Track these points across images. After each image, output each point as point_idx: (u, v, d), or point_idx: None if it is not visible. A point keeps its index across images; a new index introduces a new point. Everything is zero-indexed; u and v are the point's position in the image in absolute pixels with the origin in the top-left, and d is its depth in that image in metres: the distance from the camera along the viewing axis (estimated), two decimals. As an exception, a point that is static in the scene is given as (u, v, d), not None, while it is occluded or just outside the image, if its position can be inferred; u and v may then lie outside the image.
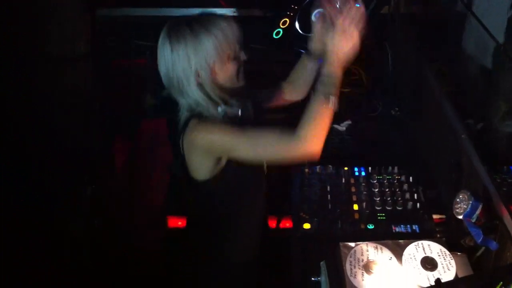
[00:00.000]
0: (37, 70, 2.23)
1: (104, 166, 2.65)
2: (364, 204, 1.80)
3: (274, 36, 1.60)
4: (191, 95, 1.57)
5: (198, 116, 1.59)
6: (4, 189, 1.93)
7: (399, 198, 1.81)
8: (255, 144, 1.55)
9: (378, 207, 1.79)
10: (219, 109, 1.59)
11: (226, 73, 1.59)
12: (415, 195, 1.82)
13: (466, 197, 1.46)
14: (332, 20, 1.49)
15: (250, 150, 1.56)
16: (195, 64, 1.53)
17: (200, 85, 1.56)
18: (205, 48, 1.52)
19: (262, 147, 1.54)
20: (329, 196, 1.86)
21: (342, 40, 1.48)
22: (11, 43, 2.06)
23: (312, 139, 1.46)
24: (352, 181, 1.92)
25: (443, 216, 1.70)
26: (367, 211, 1.79)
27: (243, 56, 1.63)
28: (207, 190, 1.68)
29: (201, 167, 1.64)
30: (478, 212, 1.43)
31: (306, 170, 1.95)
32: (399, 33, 2.48)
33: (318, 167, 1.97)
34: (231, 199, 1.75)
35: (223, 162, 1.62)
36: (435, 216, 1.72)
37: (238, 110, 1.64)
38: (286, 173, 2.03)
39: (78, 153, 2.44)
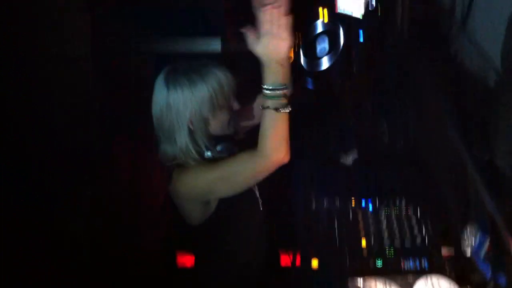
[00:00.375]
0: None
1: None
2: (372, 239, 1.79)
3: None
4: (179, 141, 1.59)
5: (180, 165, 1.62)
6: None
7: (407, 233, 1.79)
8: (227, 178, 1.57)
9: (387, 241, 1.78)
10: (205, 154, 1.62)
11: (218, 122, 1.61)
12: (424, 229, 1.80)
13: (473, 231, 1.44)
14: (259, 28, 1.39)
15: (226, 186, 1.59)
16: (189, 112, 1.55)
17: (191, 132, 1.57)
18: (200, 97, 1.54)
19: (235, 178, 1.56)
20: (336, 231, 1.84)
21: (273, 43, 1.38)
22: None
23: (274, 149, 1.46)
24: (359, 215, 1.89)
25: (452, 249, 1.68)
26: (376, 246, 1.77)
27: (236, 106, 1.64)
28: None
29: (190, 215, 1.69)
30: (486, 246, 1.41)
31: (313, 204, 1.94)
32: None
33: (325, 200, 1.95)
34: (228, 228, 1.77)
35: (213, 206, 1.65)
36: (444, 251, 1.71)
37: (222, 155, 1.65)
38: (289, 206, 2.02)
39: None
